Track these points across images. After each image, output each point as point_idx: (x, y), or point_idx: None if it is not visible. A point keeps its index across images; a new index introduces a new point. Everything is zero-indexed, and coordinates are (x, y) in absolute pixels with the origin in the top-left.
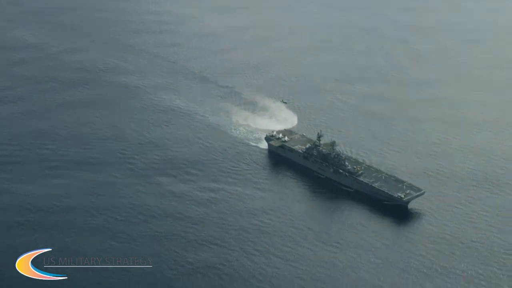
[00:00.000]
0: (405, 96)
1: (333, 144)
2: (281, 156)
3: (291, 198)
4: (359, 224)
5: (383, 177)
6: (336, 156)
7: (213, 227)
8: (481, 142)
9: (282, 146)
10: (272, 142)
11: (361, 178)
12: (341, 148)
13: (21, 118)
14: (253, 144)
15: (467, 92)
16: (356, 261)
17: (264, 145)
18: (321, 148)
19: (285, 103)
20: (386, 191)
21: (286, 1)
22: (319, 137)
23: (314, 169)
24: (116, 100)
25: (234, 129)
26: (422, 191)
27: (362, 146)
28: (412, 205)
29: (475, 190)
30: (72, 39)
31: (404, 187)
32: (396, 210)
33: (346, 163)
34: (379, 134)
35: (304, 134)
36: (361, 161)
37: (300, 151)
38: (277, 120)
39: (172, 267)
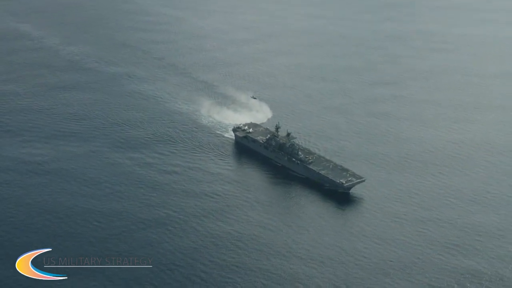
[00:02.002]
0: (367, 93)
1: (288, 135)
2: (245, 146)
3: (247, 180)
4: (303, 202)
5: (331, 166)
6: (290, 146)
7: (170, 195)
8: (425, 136)
9: (246, 137)
10: (237, 133)
11: (310, 166)
12: (301, 139)
13: (13, 98)
14: (222, 134)
15: (424, 92)
16: (291, 226)
17: (232, 135)
18: (279, 139)
19: (255, 98)
20: (330, 178)
21: (275, 8)
22: (277, 128)
23: (272, 158)
24: (102, 87)
25: (206, 120)
26: (363, 179)
27: (320, 137)
28: (354, 191)
29: (410, 177)
30: (71, 34)
31: (348, 175)
32: (339, 195)
33: (299, 153)
34: (338, 126)
35: (268, 127)
36: (314, 151)
37: (261, 141)
38: (246, 113)
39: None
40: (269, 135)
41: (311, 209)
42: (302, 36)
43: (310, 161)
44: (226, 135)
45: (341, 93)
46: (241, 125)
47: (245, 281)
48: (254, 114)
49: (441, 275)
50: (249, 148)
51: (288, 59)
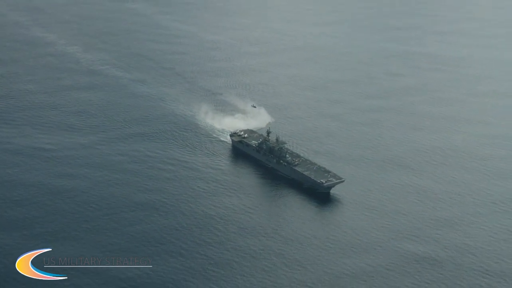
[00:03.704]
0: (362, 104)
1: (277, 140)
2: (240, 150)
3: (237, 177)
4: (284, 197)
5: (315, 168)
6: (279, 149)
7: (162, 183)
8: (408, 143)
9: (241, 141)
10: (233, 138)
11: (296, 168)
12: (294, 143)
13: (32, 97)
14: (220, 138)
15: (416, 106)
16: (270, 215)
17: (229, 140)
18: (269, 143)
19: (255, 107)
20: (312, 178)
21: (286, 27)
22: (268, 133)
23: (263, 160)
24: (113, 90)
25: (206, 125)
26: (342, 179)
27: (311, 141)
28: (334, 191)
29: (387, 178)
30: (91, 43)
31: (329, 176)
32: (320, 193)
33: (287, 156)
34: (330, 132)
35: (263, 134)
36: (304, 155)
37: (253, 145)
38: (244, 120)
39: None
40: (261, 140)
41: (291, 203)
42: (308, 51)
43: (296, 163)
44: (224, 139)
45: (338, 103)
46: (238, 131)
47: (221, 258)
48: (252, 121)
49: (397, 260)
50: (243, 152)
51: (291, 71)
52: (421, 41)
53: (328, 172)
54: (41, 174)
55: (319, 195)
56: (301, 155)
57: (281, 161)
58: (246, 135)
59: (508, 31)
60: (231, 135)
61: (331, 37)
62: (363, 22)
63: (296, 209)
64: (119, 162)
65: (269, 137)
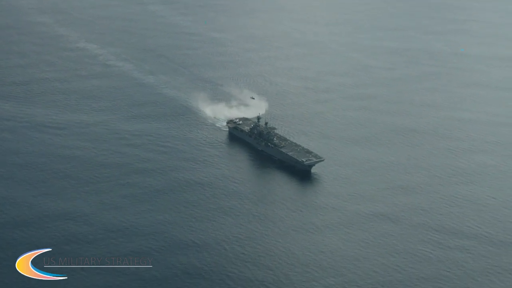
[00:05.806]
0: (355, 92)
1: (266, 124)
2: (235, 136)
3: (228, 157)
4: (267, 173)
5: (299, 149)
6: (267, 133)
7: (159, 157)
8: (388, 125)
9: (235, 128)
10: (229, 125)
11: (281, 149)
12: (284, 128)
13: (51, 84)
14: (218, 126)
15: (404, 94)
16: (254, 184)
17: (225, 127)
18: (259, 128)
19: (253, 99)
20: (295, 157)
21: (292, 26)
22: (258, 119)
23: (254, 144)
24: (123, 79)
25: (207, 114)
26: (322, 159)
27: (301, 125)
28: (314, 170)
29: (364, 155)
30: (108, 40)
31: (310, 156)
32: (301, 172)
33: (274, 139)
34: (320, 117)
35: (256, 121)
36: (293, 138)
37: (246, 130)
38: (242, 110)
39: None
40: (252, 125)
41: (274, 177)
42: (309, 48)
43: (282, 145)
44: (220, 126)
45: (330, 92)
46: (234, 118)
47: (202, 217)
48: (249, 110)
49: (357, 219)
50: (238, 137)
51: (290, 64)
52: (420, 39)
53: (310, 152)
54: (52, 146)
55: (301, 172)
56: (289, 138)
57: (269, 144)
58: (241, 122)
59: (498, 31)
60: (227, 122)
61: (333, 35)
62: (368, 22)
63: (277, 182)
64: (120, 138)
65: (259, 123)
